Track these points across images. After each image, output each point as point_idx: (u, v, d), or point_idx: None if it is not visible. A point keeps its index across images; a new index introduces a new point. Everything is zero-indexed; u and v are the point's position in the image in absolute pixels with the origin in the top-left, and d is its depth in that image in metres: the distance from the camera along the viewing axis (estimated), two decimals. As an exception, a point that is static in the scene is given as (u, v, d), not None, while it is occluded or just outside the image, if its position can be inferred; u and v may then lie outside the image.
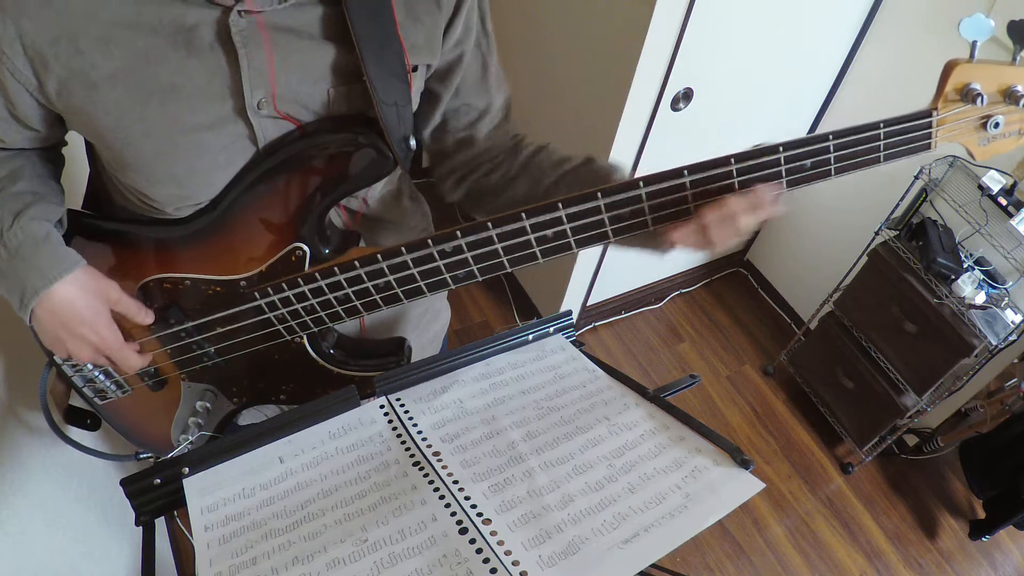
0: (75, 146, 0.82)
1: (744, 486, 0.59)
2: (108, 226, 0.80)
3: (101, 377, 0.88)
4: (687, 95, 1.86)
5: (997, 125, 0.66)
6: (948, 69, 0.64)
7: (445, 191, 0.93)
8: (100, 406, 0.93)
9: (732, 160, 0.63)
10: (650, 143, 1.90)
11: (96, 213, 0.83)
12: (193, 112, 0.66)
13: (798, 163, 0.64)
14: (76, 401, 0.94)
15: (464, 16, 0.74)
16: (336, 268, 0.71)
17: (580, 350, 0.80)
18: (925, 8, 1.94)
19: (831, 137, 0.64)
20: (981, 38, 0.62)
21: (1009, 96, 0.65)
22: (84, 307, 0.73)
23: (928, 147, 0.66)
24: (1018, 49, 0.63)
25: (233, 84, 0.65)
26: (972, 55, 0.63)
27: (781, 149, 0.64)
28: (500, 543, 0.54)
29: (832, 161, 0.65)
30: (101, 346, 0.76)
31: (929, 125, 0.65)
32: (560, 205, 0.65)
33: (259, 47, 0.64)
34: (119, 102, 0.64)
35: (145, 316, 0.78)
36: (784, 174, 0.65)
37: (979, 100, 0.64)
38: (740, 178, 0.64)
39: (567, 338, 0.82)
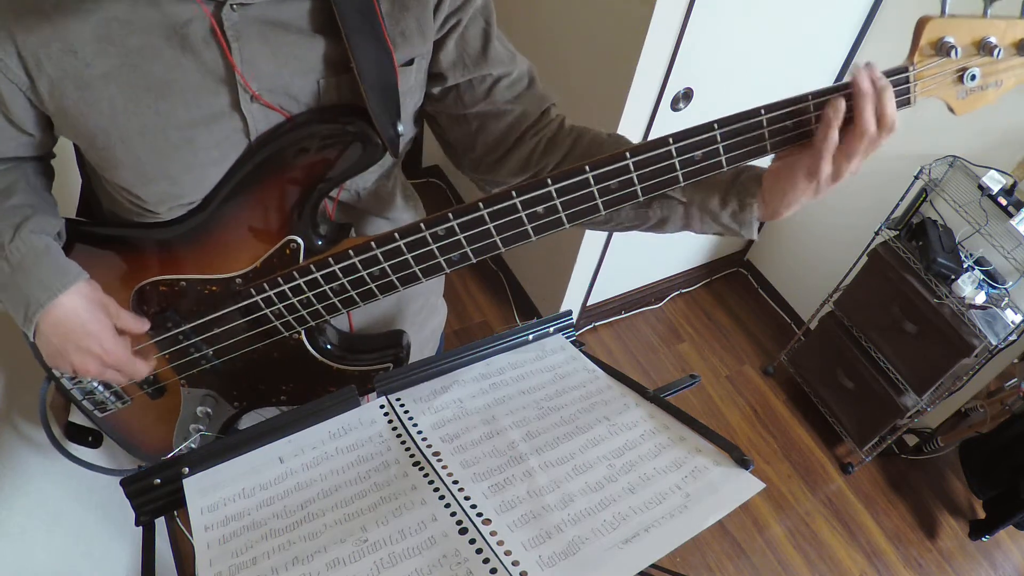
0: (67, 157, 0.81)
1: (744, 486, 0.59)
2: (101, 232, 0.79)
3: (100, 388, 0.87)
4: (687, 95, 1.86)
5: (974, 77, 0.67)
6: (921, 24, 0.65)
7: (485, 179, 0.88)
8: (100, 419, 0.92)
9: (716, 125, 0.64)
10: (650, 143, 1.90)
11: (89, 220, 0.82)
12: (187, 108, 0.66)
13: (780, 124, 0.65)
14: (76, 417, 0.94)
15: None
16: (331, 259, 0.72)
17: (580, 350, 0.80)
18: (925, 8, 1.94)
19: (811, 97, 0.64)
20: None
21: (983, 47, 0.65)
22: (90, 319, 0.73)
23: (908, 102, 0.67)
24: (988, 2, 0.64)
25: (227, 78, 0.66)
26: (943, 10, 0.64)
27: (763, 111, 0.64)
28: (500, 543, 0.54)
29: (813, 121, 0.65)
30: (107, 359, 0.75)
31: (907, 80, 0.65)
32: (549, 181, 0.65)
33: (251, 41, 0.65)
34: (113, 100, 0.64)
35: (142, 324, 0.78)
36: (767, 136, 0.65)
37: (953, 52, 0.64)
38: (724, 143, 0.64)
39: (567, 338, 0.82)
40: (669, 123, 1.89)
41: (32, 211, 0.73)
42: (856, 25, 2.07)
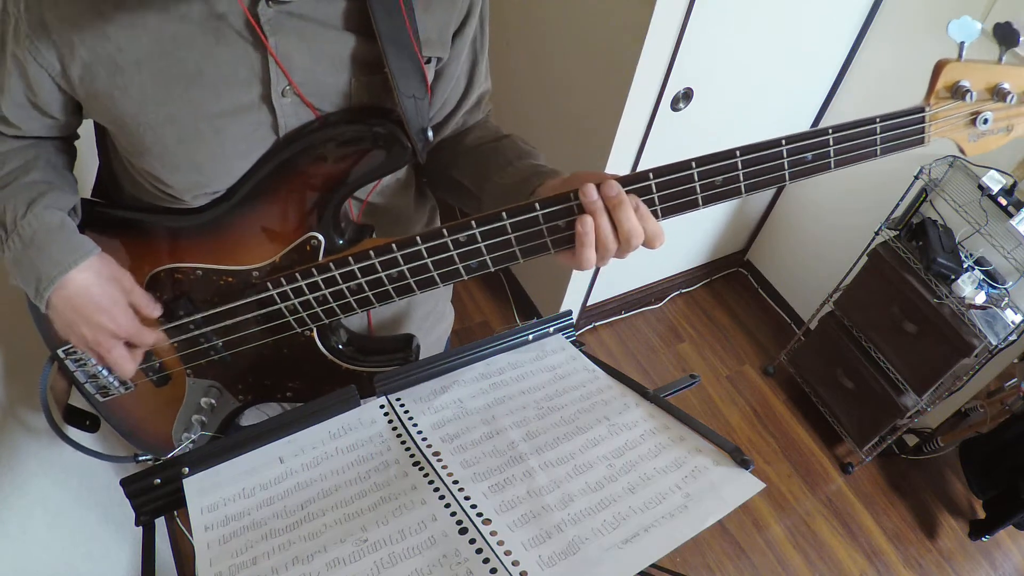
0: (84, 137, 0.82)
1: (744, 486, 0.59)
2: (119, 214, 0.80)
3: (104, 372, 0.87)
4: (687, 95, 1.86)
5: (986, 121, 0.70)
6: (939, 68, 0.67)
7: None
8: (101, 404, 0.92)
9: (738, 152, 0.65)
10: (650, 143, 1.90)
11: (107, 202, 0.83)
12: (218, 98, 0.66)
13: (800, 156, 0.66)
14: (76, 401, 0.94)
15: (475, 20, 0.75)
16: (350, 258, 0.71)
17: (580, 350, 0.80)
18: (924, 9, 1.94)
19: (831, 131, 0.66)
20: (968, 39, 0.66)
21: (997, 93, 0.68)
22: (100, 294, 0.73)
23: (921, 142, 0.69)
24: (1003, 49, 0.67)
25: (260, 72, 0.66)
26: (960, 55, 0.67)
27: (784, 142, 0.65)
28: (500, 543, 0.54)
29: (832, 154, 0.67)
30: (118, 332, 0.75)
31: (922, 120, 0.68)
32: (571, 196, 0.66)
33: (286, 36, 0.66)
34: (144, 87, 0.64)
35: (154, 309, 0.78)
36: (787, 166, 0.67)
37: (968, 96, 0.67)
38: (745, 169, 0.66)
39: (567, 338, 0.82)
40: (669, 123, 1.89)
41: (48, 187, 0.73)
42: (856, 25, 2.07)
